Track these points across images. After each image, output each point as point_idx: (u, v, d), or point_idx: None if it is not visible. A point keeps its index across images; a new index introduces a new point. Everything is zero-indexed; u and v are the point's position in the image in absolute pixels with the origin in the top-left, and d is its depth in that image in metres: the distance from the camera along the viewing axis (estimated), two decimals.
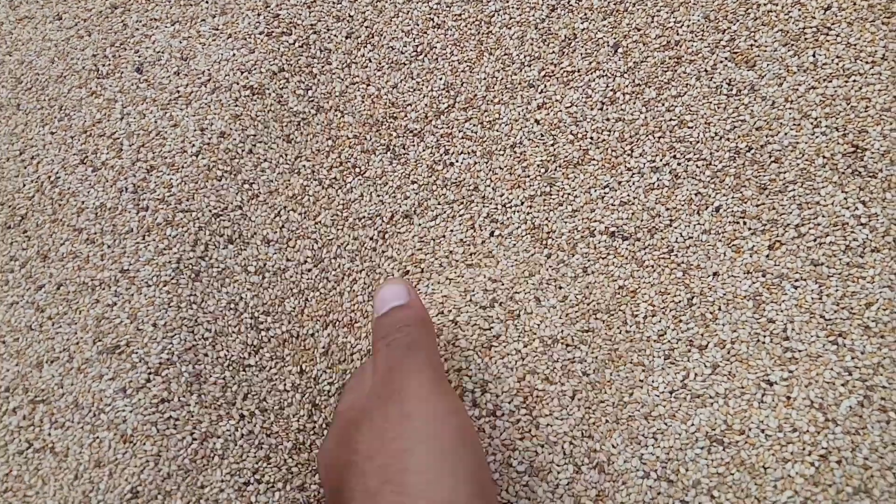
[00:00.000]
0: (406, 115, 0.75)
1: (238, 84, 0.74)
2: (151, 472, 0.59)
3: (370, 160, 0.73)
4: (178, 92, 0.75)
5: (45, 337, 0.66)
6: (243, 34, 0.77)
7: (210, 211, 0.69)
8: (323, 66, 0.77)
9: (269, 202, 0.70)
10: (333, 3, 0.79)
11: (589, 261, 0.67)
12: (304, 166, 0.72)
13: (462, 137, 0.73)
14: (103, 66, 0.78)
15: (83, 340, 0.65)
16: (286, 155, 0.72)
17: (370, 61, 0.77)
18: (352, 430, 0.53)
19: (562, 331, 0.64)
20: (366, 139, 0.74)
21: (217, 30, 0.78)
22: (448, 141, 0.73)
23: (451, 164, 0.73)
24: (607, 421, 0.60)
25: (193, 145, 0.71)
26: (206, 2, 0.80)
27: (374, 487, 0.48)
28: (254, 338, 0.65)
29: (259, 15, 0.78)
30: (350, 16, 0.79)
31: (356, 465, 0.51)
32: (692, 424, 0.59)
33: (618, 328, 0.65)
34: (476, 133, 0.73)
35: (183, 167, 0.70)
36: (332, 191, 0.72)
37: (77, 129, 0.75)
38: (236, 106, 0.73)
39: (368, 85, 0.76)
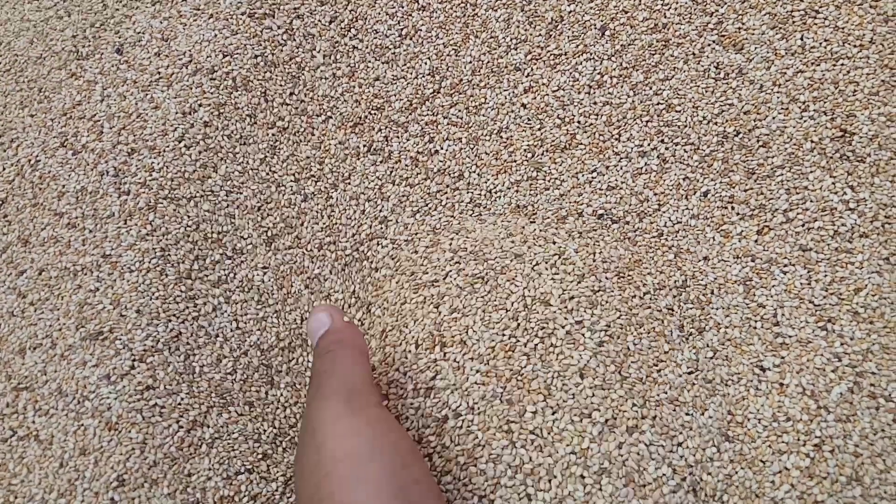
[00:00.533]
0: (391, 105, 0.74)
1: (220, 69, 0.73)
2: (137, 459, 0.59)
3: (354, 166, 0.73)
4: (159, 73, 0.74)
5: (27, 323, 0.65)
6: (225, 14, 0.76)
7: (199, 214, 0.68)
8: (306, 59, 0.76)
9: (261, 223, 0.69)
10: None
11: (582, 231, 0.66)
12: (288, 182, 0.72)
13: (448, 124, 0.73)
14: (83, 47, 0.78)
15: (66, 326, 0.64)
16: (271, 165, 0.72)
17: (355, 49, 0.76)
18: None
19: (561, 288, 0.60)
20: (349, 141, 0.73)
21: (198, 10, 0.77)
22: (433, 129, 0.73)
23: (436, 151, 0.72)
24: (634, 405, 0.55)
25: (175, 129, 0.70)
26: None
27: None
28: (263, 374, 0.65)
29: None
30: None
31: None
32: (709, 416, 0.57)
33: (631, 293, 0.62)
34: (462, 118, 0.73)
35: (164, 151, 0.69)
36: (316, 208, 0.71)
37: (57, 111, 0.74)
38: (219, 94, 0.72)
39: (352, 78, 0.75)
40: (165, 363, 0.62)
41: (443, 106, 0.74)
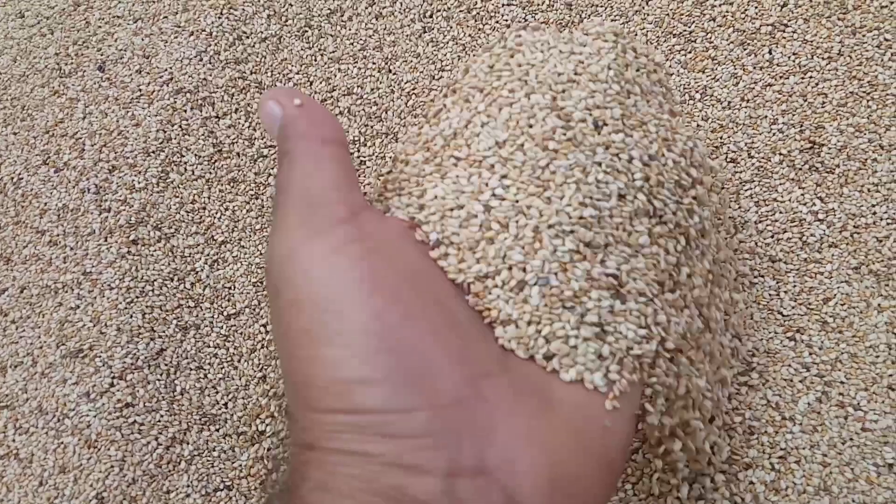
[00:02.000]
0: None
1: (200, 87, 0.74)
2: (116, 477, 0.59)
3: None
4: (140, 90, 0.74)
5: (8, 341, 0.66)
6: (206, 33, 0.77)
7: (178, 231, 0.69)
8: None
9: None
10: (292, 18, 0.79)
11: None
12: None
13: None
14: (66, 64, 0.78)
15: (47, 344, 0.65)
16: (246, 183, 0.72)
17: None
18: None
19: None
20: None
21: (179, 27, 0.78)
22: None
23: None
24: None
25: (156, 149, 0.71)
26: None
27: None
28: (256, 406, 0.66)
29: (221, 16, 0.78)
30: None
31: None
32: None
33: None
34: None
35: (147, 170, 0.70)
36: None
37: (40, 129, 0.74)
38: (196, 112, 0.73)
39: None
40: (145, 381, 0.62)
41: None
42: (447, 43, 0.76)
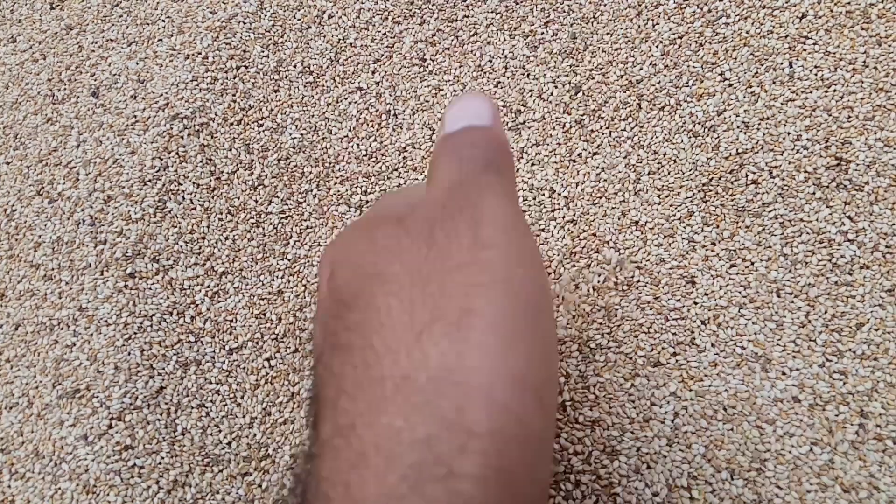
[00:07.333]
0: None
1: (196, 112, 0.71)
2: None
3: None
4: (135, 117, 0.72)
5: (3, 381, 0.64)
6: (201, 56, 0.74)
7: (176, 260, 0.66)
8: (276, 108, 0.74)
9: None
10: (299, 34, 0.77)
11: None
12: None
13: None
14: (59, 90, 0.76)
15: (42, 384, 0.62)
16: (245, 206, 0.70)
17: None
18: (390, 232, 0.36)
19: None
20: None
21: (174, 50, 0.75)
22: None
23: None
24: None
25: (152, 178, 0.68)
26: (163, 21, 0.78)
27: (419, 320, 0.32)
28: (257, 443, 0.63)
29: (217, 39, 0.75)
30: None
31: (392, 278, 0.34)
32: None
33: None
34: None
35: (144, 199, 0.67)
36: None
37: (33, 158, 0.72)
38: (193, 138, 0.70)
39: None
40: (145, 421, 0.60)
41: None
42: (447, 82, 0.73)
